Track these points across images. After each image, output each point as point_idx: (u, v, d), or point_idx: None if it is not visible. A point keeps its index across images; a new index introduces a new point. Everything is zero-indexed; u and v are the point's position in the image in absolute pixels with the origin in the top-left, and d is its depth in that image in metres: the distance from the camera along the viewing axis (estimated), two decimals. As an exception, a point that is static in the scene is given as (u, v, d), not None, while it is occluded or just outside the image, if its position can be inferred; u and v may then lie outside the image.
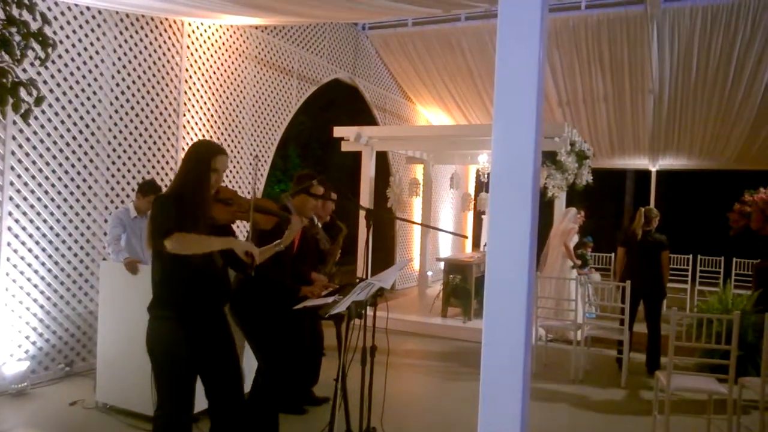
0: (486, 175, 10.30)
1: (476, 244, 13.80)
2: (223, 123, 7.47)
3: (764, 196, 7.61)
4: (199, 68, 7.07)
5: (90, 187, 5.83)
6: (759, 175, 10.41)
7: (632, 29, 9.20)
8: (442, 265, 9.47)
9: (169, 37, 6.65)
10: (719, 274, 10.54)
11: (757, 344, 5.54)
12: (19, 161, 5.19)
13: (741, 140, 11.17)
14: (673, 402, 4.60)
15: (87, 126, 5.77)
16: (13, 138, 5.13)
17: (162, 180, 6.62)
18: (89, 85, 5.77)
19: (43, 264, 5.42)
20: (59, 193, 5.54)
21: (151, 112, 6.48)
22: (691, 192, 19.27)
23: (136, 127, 6.30)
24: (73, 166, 5.65)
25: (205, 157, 3.03)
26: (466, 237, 13.71)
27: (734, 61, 9.23)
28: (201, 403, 3.11)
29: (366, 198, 9.26)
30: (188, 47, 6.89)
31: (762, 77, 9.40)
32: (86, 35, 5.72)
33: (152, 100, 6.48)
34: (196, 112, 7.05)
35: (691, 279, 10.68)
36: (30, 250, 5.31)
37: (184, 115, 6.87)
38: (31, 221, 5.31)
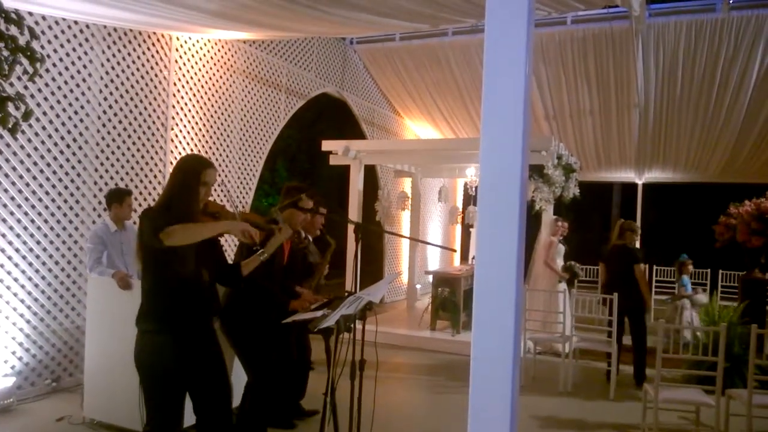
0: (474, 189, 10.35)
1: (464, 257, 13.82)
2: (211, 137, 7.47)
3: (749, 208, 7.68)
4: (187, 82, 7.08)
5: (77, 202, 5.80)
6: (744, 188, 10.50)
7: (617, 44, 9.31)
8: (430, 278, 9.48)
9: (157, 51, 6.65)
10: (706, 286, 10.62)
11: (743, 356, 5.58)
12: (6, 175, 5.16)
13: (726, 153, 11.28)
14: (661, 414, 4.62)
15: (75, 140, 5.75)
16: (0, 152, 5.11)
17: (150, 194, 6.61)
18: (77, 99, 5.76)
19: (29, 278, 5.38)
20: (46, 207, 5.51)
21: (139, 126, 6.47)
22: (677, 205, 19.42)
23: (123, 141, 6.29)
24: (60, 180, 5.63)
25: (194, 171, 3.03)
26: (454, 250, 13.72)
27: (718, 75, 9.34)
28: (190, 418, 3.09)
29: (354, 212, 9.26)
30: (176, 61, 6.90)
31: (746, 91, 9.52)
32: (74, 49, 5.72)
33: (140, 114, 6.47)
34: (184, 126, 7.05)
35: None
36: (17, 265, 5.27)
37: (172, 129, 6.87)
38: (18, 236, 5.27)
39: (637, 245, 6.91)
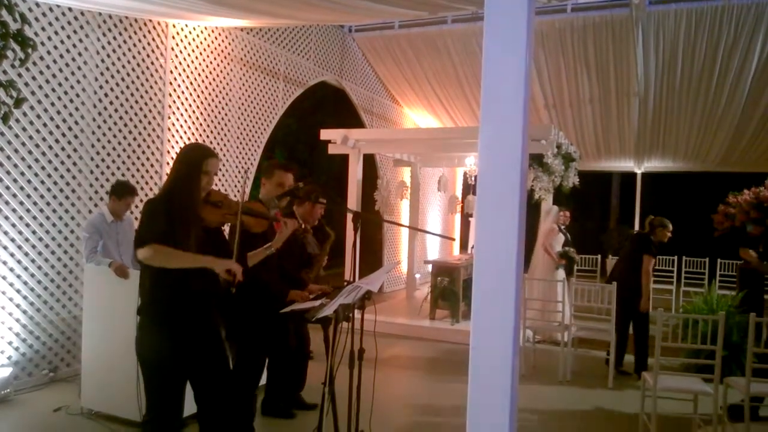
0: (473, 178, 10.31)
1: (464, 246, 13.83)
2: (208, 126, 7.43)
3: (748, 197, 7.67)
4: (184, 70, 7.02)
5: (73, 191, 5.76)
6: (743, 177, 10.49)
7: (618, 32, 9.25)
8: (430, 267, 9.47)
9: (153, 39, 6.60)
10: (704, 275, 10.62)
11: (741, 344, 5.58)
12: (0, 164, 5.12)
13: (725, 142, 11.26)
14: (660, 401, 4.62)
15: (70, 128, 5.70)
16: (-5, 141, 5.08)
17: (147, 183, 6.57)
18: (72, 87, 5.71)
19: (26, 268, 5.36)
20: (42, 196, 5.47)
21: (135, 114, 6.42)
22: (676, 194, 19.39)
23: (120, 130, 6.24)
24: (56, 169, 5.59)
25: (195, 160, 3.03)
26: (453, 239, 13.73)
27: (718, 63, 9.30)
28: (190, 407, 3.07)
29: (353, 201, 9.23)
30: (173, 49, 6.84)
31: (745, 80, 9.49)
32: (69, 36, 5.66)
33: (136, 102, 6.42)
34: (181, 115, 7.00)
35: (676, 280, 10.74)
36: (12, 255, 5.25)
37: (169, 118, 6.82)
38: (14, 225, 5.24)
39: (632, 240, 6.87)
